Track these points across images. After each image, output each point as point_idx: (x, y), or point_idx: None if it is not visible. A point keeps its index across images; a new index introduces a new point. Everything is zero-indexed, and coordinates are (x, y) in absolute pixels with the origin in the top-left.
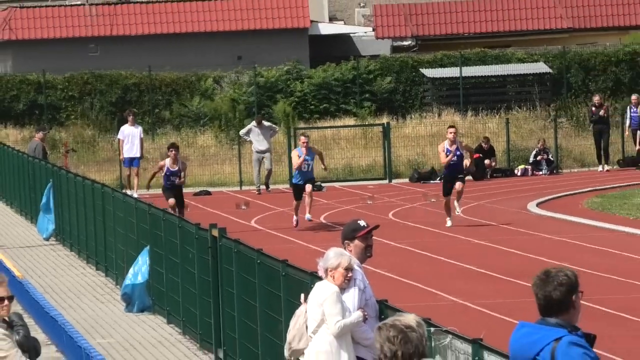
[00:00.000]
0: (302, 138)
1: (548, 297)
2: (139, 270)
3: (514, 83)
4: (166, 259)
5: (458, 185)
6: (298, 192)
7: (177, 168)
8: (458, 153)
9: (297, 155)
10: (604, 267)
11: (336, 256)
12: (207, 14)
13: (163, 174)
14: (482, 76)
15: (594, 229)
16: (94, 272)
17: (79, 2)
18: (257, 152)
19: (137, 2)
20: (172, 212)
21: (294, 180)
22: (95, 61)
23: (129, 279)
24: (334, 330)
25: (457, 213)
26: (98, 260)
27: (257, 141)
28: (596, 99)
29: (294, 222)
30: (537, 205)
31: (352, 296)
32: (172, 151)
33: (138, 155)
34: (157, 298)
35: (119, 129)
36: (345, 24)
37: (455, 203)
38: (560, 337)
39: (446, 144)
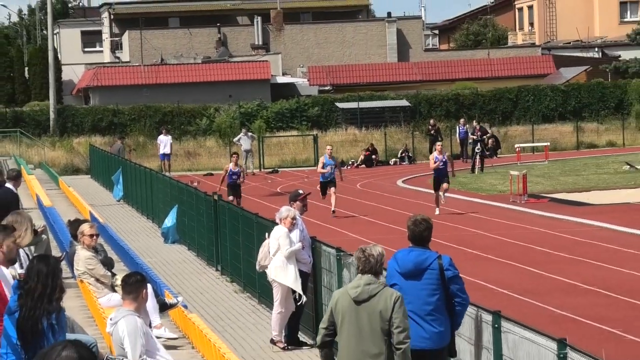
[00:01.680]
0: (328, 147)
1: (422, 234)
2: (171, 219)
3: (389, 112)
4: (187, 212)
5: (445, 185)
6: (323, 189)
7: (237, 169)
8: (444, 160)
9: (322, 162)
10: (441, 217)
11: (286, 211)
12: (212, 71)
13: (227, 174)
14: (370, 107)
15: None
16: (145, 220)
17: (137, 64)
18: (245, 150)
19: (170, 64)
20: (232, 202)
21: (320, 179)
22: (146, 98)
23: (165, 224)
24: (285, 254)
25: (442, 202)
26: (148, 213)
27: (244, 144)
28: (431, 121)
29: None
30: (403, 181)
31: (295, 234)
32: (234, 156)
33: (169, 152)
34: (182, 235)
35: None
36: (291, 77)
37: (442, 195)
38: (439, 255)
39: (436, 154)
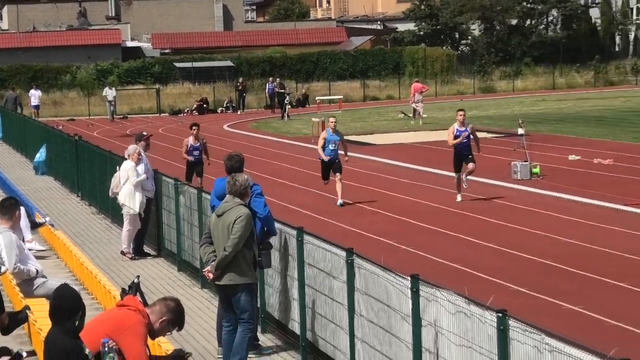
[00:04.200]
0: (332, 119)
1: (234, 166)
2: (41, 155)
3: (217, 70)
4: (54, 150)
5: (471, 165)
6: (325, 169)
7: (198, 144)
8: (468, 134)
9: (323, 138)
10: (258, 153)
11: (133, 148)
12: (74, 37)
13: (187, 150)
14: (202, 67)
15: (256, 138)
16: (20, 156)
17: (14, 31)
18: (108, 101)
19: (41, 32)
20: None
21: (319, 158)
22: (22, 59)
23: (36, 159)
24: (133, 183)
25: (464, 187)
26: (22, 150)
27: (109, 96)
28: (240, 79)
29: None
30: (228, 126)
31: (141, 167)
32: (193, 129)
33: (38, 104)
34: (49, 168)
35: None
36: (138, 42)
37: (464, 178)
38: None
39: (456, 126)
